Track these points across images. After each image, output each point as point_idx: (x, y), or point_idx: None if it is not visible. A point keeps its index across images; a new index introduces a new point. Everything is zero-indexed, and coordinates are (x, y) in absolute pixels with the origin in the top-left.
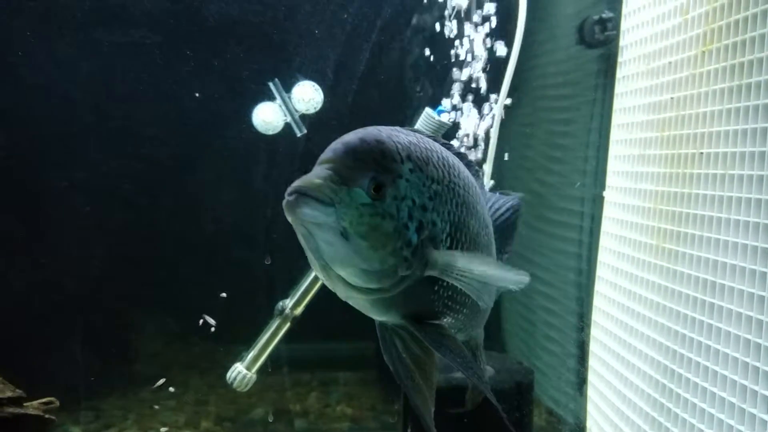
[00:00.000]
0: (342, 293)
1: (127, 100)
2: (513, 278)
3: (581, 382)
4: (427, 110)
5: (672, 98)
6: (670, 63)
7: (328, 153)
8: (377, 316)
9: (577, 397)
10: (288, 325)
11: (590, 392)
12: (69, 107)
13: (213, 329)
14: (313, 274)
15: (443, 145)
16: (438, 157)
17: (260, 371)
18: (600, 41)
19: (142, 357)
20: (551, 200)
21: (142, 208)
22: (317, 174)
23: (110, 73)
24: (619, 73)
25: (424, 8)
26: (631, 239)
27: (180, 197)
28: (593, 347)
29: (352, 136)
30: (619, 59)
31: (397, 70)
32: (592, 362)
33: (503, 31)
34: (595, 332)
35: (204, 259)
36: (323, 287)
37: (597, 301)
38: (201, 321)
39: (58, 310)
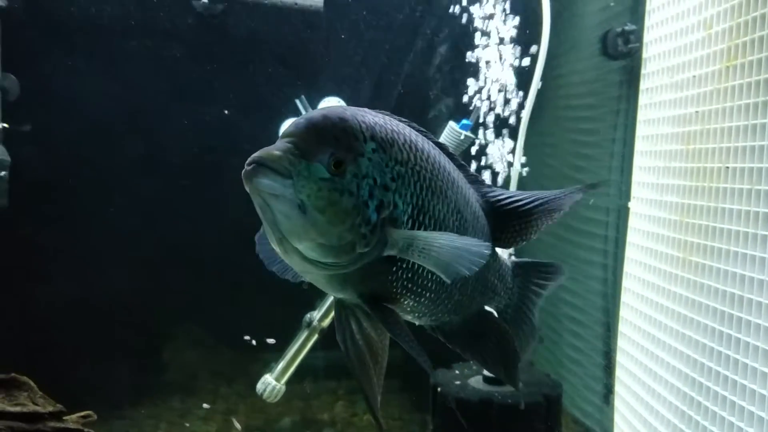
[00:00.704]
0: (298, 267)
1: (157, 117)
2: (473, 251)
3: (608, 393)
4: (451, 123)
5: (697, 112)
6: (694, 77)
7: (290, 127)
8: (333, 293)
9: (604, 408)
10: (316, 336)
11: (617, 403)
12: (101, 123)
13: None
14: None
15: (419, 131)
16: (405, 140)
17: (290, 382)
18: (623, 53)
19: (171, 366)
20: (576, 209)
21: (172, 221)
22: (277, 146)
23: (139, 89)
24: (643, 84)
25: (449, 21)
26: (658, 251)
27: (208, 210)
28: (620, 358)
29: (316, 113)
30: (643, 71)
31: (423, 84)
32: (619, 373)
33: (526, 42)
34: (621, 343)
35: (232, 270)
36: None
37: (624, 312)
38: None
39: (90, 321)
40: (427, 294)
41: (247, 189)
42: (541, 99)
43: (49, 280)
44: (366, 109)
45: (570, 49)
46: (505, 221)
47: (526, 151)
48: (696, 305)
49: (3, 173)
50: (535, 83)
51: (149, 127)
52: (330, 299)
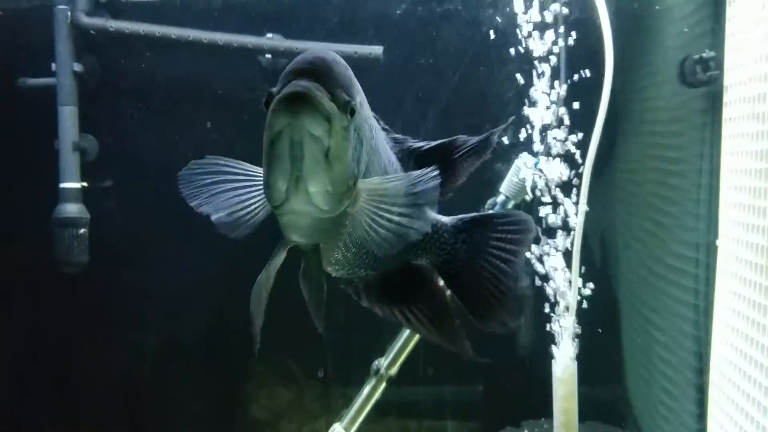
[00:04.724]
0: (295, 207)
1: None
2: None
3: None
4: (518, 162)
5: None
6: None
7: (308, 65)
8: (297, 238)
9: None
10: (384, 385)
11: None
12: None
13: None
14: (407, 332)
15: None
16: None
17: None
18: (702, 81)
19: (258, 403)
20: (667, 243)
21: (257, 259)
22: (312, 86)
23: (212, 141)
24: (726, 113)
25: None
26: (747, 297)
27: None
28: (711, 409)
29: (327, 56)
30: (724, 99)
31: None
32: (711, 425)
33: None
34: (713, 393)
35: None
36: (421, 343)
37: (714, 359)
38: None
39: (176, 359)
40: (356, 248)
41: (280, 120)
42: (624, 125)
43: (133, 325)
44: None
45: (652, 73)
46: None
47: (609, 179)
48: None
49: (83, 230)
50: (602, 114)
51: None
52: (397, 345)
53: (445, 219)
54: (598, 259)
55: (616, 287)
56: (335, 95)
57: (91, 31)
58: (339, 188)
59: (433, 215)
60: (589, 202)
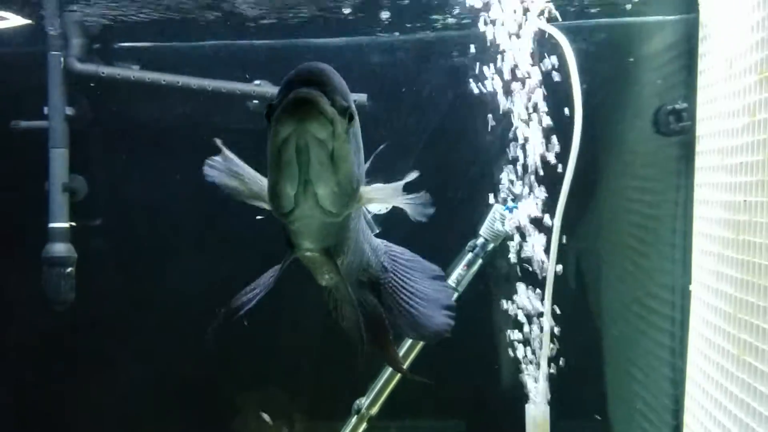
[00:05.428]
0: (305, 211)
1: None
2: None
3: None
4: (497, 207)
5: (745, 201)
6: (742, 163)
7: (307, 74)
8: (309, 242)
9: None
10: (364, 425)
11: None
12: (164, 215)
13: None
14: (389, 371)
15: None
16: None
17: None
18: (675, 131)
19: None
20: (646, 284)
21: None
22: (316, 92)
23: (198, 182)
24: (698, 162)
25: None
26: (716, 343)
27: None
28: None
29: (323, 66)
30: (697, 148)
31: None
32: None
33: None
34: None
35: (305, 344)
36: (400, 382)
37: (688, 403)
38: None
39: (159, 394)
40: (352, 255)
41: (285, 128)
42: (606, 167)
43: (118, 363)
44: None
45: (632, 118)
46: None
47: (594, 218)
48: (751, 411)
49: (70, 269)
50: (571, 164)
51: (211, 214)
52: (379, 385)
53: (378, 240)
54: (581, 297)
55: (599, 325)
56: (335, 101)
57: (91, 84)
58: (344, 190)
59: (371, 236)
60: (575, 240)
